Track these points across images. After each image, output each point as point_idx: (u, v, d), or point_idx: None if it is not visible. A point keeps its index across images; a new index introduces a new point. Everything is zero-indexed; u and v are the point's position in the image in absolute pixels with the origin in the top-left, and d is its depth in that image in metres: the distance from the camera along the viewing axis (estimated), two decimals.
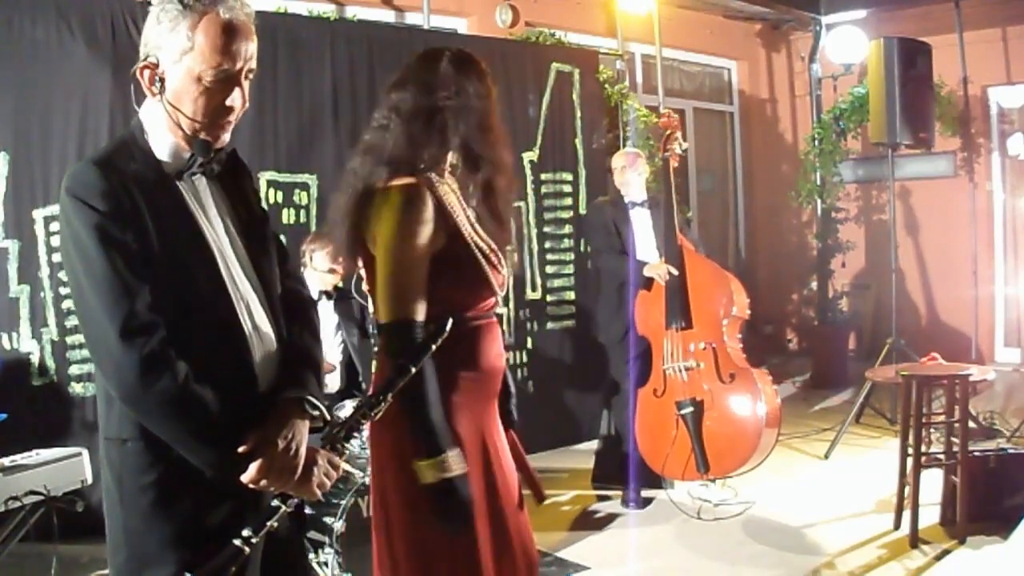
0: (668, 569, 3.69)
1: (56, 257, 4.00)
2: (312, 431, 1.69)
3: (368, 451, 2.28)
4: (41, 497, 2.94)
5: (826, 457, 5.18)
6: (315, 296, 3.75)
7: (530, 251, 5.66)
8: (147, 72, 1.59)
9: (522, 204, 5.62)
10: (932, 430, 4.18)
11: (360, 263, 2.08)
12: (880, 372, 4.83)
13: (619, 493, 4.49)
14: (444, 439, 1.90)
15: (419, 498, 1.92)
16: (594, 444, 4.88)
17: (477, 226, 2.07)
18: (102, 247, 1.51)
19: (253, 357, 1.65)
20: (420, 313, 1.93)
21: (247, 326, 1.65)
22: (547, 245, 5.74)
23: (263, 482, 1.57)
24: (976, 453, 3.91)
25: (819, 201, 7.49)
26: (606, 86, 6.08)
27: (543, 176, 5.73)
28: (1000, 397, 6.07)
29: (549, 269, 5.75)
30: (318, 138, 4.84)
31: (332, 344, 3.93)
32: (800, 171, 7.54)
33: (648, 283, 4.29)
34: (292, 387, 1.68)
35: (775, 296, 8.39)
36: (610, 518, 4.32)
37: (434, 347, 1.79)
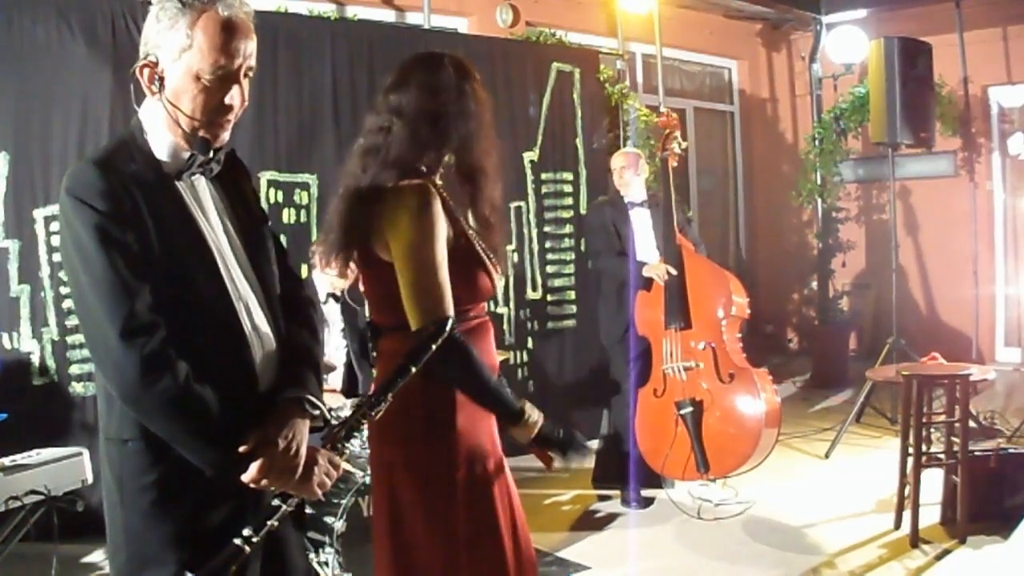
0: (668, 569, 3.69)
1: (56, 257, 4.00)
2: (312, 431, 1.68)
3: (368, 451, 2.27)
4: (41, 497, 2.95)
5: (826, 457, 5.18)
6: (323, 299, 3.75)
7: (530, 251, 5.66)
8: (146, 71, 1.59)
9: (522, 204, 5.62)
10: (933, 430, 4.17)
11: (353, 266, 2.07)
12: (880, 372, 4.84)
13: (619, 493, 4.50)
14: (511, 400, 2.00)
15: (435, 494, 1.96)
16: (594, 444, 4.88)
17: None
18: (102, 247, 1.51)
19: (253, 357, 1.65)
20: (452, 309, 1.92)
21: (247, 326, 1.65)
22: (547, 245, 5.74)
23: (263, 482, 1.57)
24: (977, 453, 3.90)
25: (819, 201, 7.49)
26: (606, 86, 6.07)
27: (543, 176, 5.73)
28: (1000, 397, 6.05)
29: (550, 269, 5.74)
30: (318, 138, 4.84)
31: (338, 346, 3.92)
32: (800, 171, 7.54)
33: (648, 283, 4.29)
34: (292, 387, 1.67)
35: (775, 296, 8.39)
36: (610, 518, 4.32)
37: (434, 347, 1.78)
